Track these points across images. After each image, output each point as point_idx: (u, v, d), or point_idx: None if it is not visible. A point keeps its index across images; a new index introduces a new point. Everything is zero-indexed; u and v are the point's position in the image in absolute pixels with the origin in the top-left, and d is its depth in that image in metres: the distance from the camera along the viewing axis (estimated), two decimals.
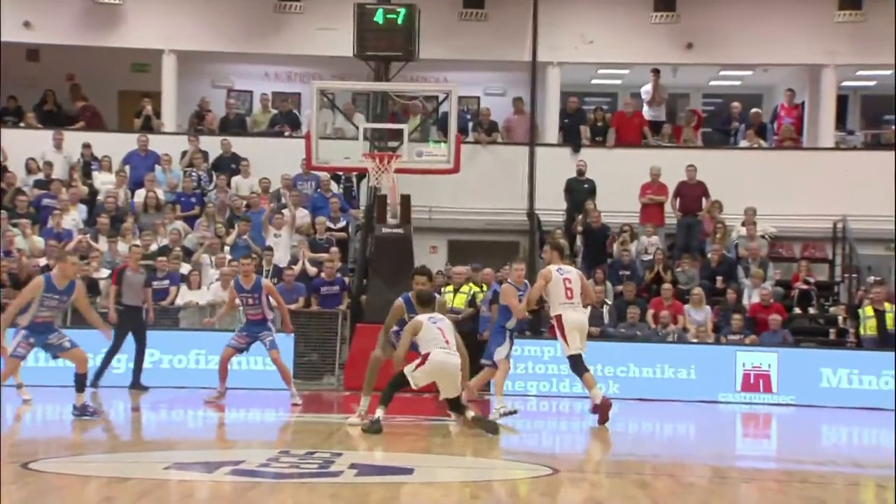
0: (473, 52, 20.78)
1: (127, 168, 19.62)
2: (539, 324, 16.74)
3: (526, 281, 13.11)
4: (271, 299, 13.77)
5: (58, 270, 11.55)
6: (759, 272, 18.12)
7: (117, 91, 22.01)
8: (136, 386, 15.05)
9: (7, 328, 11.62)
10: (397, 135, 17.18)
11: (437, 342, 10.76)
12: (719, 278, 18.27)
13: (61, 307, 11.70)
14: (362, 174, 18.88)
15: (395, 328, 11.60)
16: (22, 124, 20.49)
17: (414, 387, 10.93)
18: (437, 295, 11.90)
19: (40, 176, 19.29)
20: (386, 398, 10.90)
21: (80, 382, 11.59)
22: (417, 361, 10.83)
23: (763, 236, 19.32)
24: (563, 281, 12.32)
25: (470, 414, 11.01)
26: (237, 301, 13.72)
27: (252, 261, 14.19)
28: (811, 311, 18.42)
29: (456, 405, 11.06)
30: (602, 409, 12.04)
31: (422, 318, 11.03)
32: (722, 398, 16.15)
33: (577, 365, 12.32)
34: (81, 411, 11.52)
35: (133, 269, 15.31)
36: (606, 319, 17.41)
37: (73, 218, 18.36)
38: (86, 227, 18.32)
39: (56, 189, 18.72)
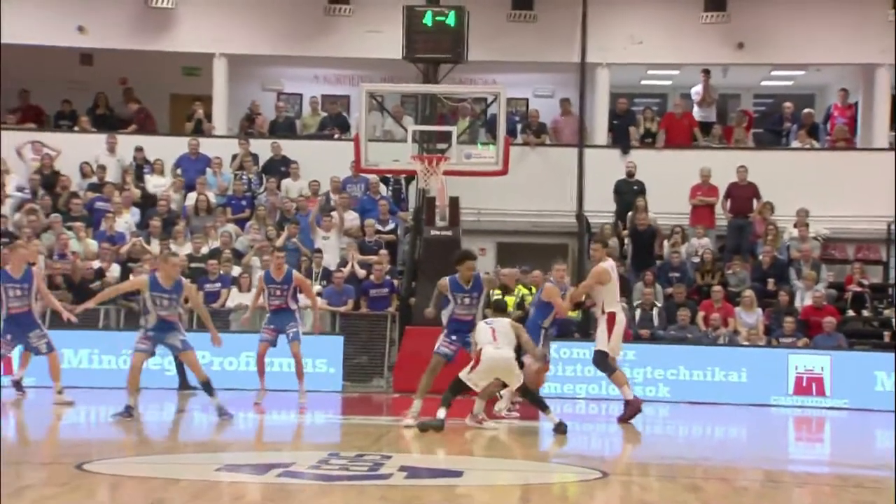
0: (522, 53, 20.74)
1: (178, 171, 19.81)
2: (588, 325, 16.68)
3: (566, 282, 13.24)
4: (299, 295, 13.74)
5: (162, 272, 11.80)
6: (811, 274, 17.92)
7: (169, 94, 22.23)
8: (184, 387, 15.16)
9: (98, 303, 12.10)
10: (446, 137, 17.19)
11: (487, 340, 11.19)
12: (771, 280, 18.09)
13: (174, 305, 11.90)
14: (411, 176, 18.92)
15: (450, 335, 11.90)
16: (76, 128, 20.76)
17: (474, 388, 11.19)
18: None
19: (94, 179, 19.52)
20: (446, 401, 11.05)
21: (207, 389, 11.90)
22: (472, 363, 11.13)
23: (816, 238, 19.11)
24: (617, 279, 12.62)
25: (553, 418, 11.23)
26: (264, 292, 13.65)
27: (285, 254, 14.35)
28: (865, 313, 18.18)
29: (528, 393, 11.42)
30: (632, 408, 12.36)
31: (481, 321, 11.50)
32: (774, 401, 15.99)
33: (606, 363, 12.55)
34: (220, 412, 11.78)
35: None
36: (656, 322, 17.30)
37: (126, 221, 18.55)
38: (138, 230, 18.51)
39: (109, 192, 18.93)
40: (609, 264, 12.66)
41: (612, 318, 12.47)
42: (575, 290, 12.90)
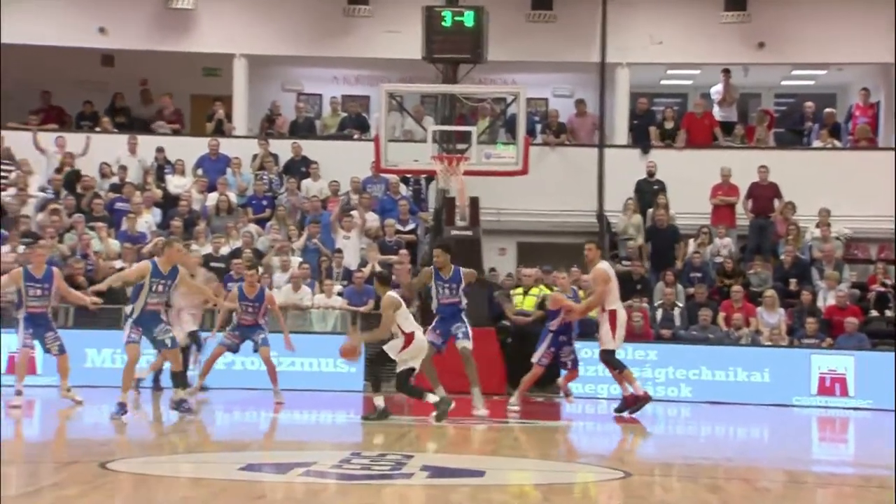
0: (541, 53, 20.71)
1: (199, 171, 19.87)
2: None
3: (573, 287, 14.01)
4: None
5: (164, 256, 11.70)
6: (833, 274, 17.84)
7: (189, 95, 22.29)
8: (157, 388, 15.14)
9: (109, 286, 11.97)
10: (465, 137, 17.19)
11: (415, 325, 11.79)
12: (793, 280, 18.02)
13: (167, 293, 11.87)
14: (431, 176, 18.92)
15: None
16: (97, 129, 20.83)
17: (401, 362, 11.64)
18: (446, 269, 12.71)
19: (114, 180, 19.59)
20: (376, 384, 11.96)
21: (176, 379, 11.85)
22: (402, 343, 11.59)
23: (838, 238, 19.02)
24: (615, 277, 13.18)
25: (430, 396, 11.72)
26: (237, 307, 13.86)
27: (256, 272, 14.59)
28: (888, 313, 18.06)
29: (407, 380, 11.74)
30: (641, 401, 12.96)
31: (396, 294, 11.87)
32: (797, 402, 15.92)
33: (615, 359, 13.13)
34: (178, 405, 11.78)
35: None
36: (678, 322, 17.25)
37: (147, 221, 18.59)
38: (159, 230, 18.56)
39: (129, 192, 18.99)
40: (605, 264, 13.28)
41: (613, 316, 12.98)
42: (591, 301, 13.29)
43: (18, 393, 12.90)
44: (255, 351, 13.92)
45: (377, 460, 8.68)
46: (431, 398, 11.60)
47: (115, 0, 20.69)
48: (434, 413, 11.61)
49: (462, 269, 12.62)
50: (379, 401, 11.83)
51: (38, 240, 17.64)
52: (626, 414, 13.09)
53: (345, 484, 7.67)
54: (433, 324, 12.61)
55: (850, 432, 14.15)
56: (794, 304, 17.55)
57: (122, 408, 11.42)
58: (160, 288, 11.57)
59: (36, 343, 13.25)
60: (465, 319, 12.60)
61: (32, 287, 12.93)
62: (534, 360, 13.42)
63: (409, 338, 11.63)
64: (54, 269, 13.37)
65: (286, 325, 14.48)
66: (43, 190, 19.38)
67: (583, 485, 8.33)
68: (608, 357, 13.12)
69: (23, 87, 21.42)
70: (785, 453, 11.16)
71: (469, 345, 12.46)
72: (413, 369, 11.66)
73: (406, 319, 11.71)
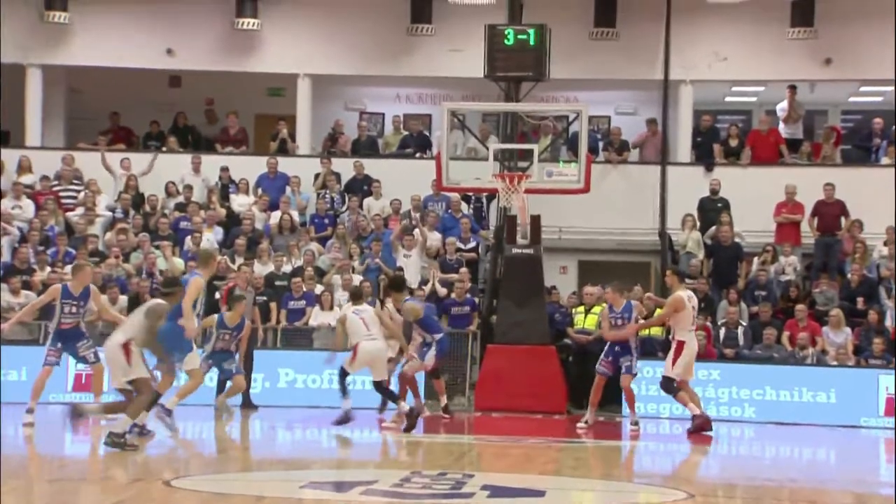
0: (604, 71, 20.62)
1: (259, 190, 20.05)
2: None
3: (632, 302, 14.30)
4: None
5: (207, 268, 11.82)
6: None
7: (254, 115, 22.53)
8: (247, 405, 15.25)
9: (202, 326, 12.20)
10: (527, 155, 17.18)
11: (361, 333, 12.62)
12: (860, 299, 17.74)
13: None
14: (492, 194, 18.93)
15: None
16: (164, 148, 21.11)
17: (351, 372, 12.86)
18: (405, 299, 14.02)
19: (180, 199, 19.83)
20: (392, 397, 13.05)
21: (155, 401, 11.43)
22: (350, 356, 12.70)
23: None
24: (692, 309, 13.20)
25: (404, 406, 12.73)
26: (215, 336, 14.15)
27: (243, 301, 14.60)
28: None
29: (382, 389, 12.72)
30: (700, 420, 13.20)
31: (346, 310, 13.02)
32: (864, 423, 15.65)
33: (670, 386, 13.35)
34: (141, 429, 11.26)
35: (241, 288, 15.51)
36: (742, 341, 17.07)
37: (209, 239, 18.74)
38: (223, 249, 18.73)
39: (192, 211, 19.19)
40: (686, 293, 13.32)
41: (680, 346, 13.16)
42: (652, 321, 13.77)
43: (30, 411, 12.53)
44: (227, 380, 14.00)
45: (437, 479, 8.69)
46: (347, 404, 12.66)
47: (183, 22, 20.99)
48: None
49: (405, 305, 13.59)
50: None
51: (104, 259, 17.90)
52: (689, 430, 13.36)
53: (406, 503, 7.68)
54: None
55: None
56: (860, 323, 17.27)
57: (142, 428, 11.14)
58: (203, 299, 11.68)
59: (68, 357, 13.20)
60: (429, 348, 13.71)
61: (68, 304, 12.70)
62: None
63: (354, 349, 12.65)
64: (92, 286, 13.13)
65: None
66: (111, 210, 19.69)
67: None
68: (665, 384, 13.39)
69: (92, 108, 21.83)
70: (852, 475, 10.99)
71: (408, 371, 13.86)
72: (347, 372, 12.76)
73: (354, 333, 12.71)
